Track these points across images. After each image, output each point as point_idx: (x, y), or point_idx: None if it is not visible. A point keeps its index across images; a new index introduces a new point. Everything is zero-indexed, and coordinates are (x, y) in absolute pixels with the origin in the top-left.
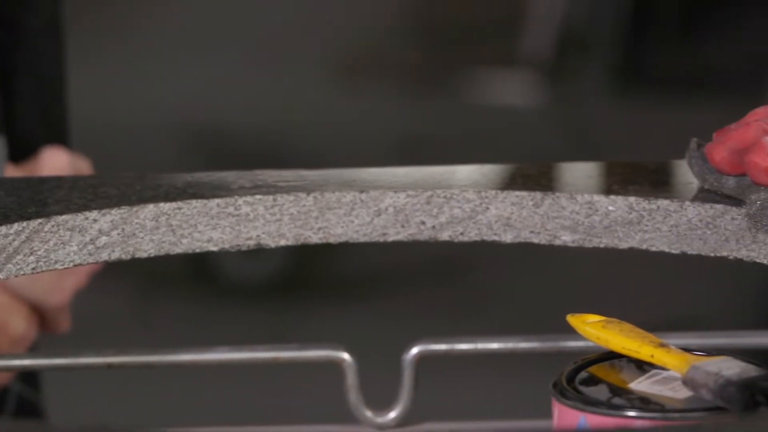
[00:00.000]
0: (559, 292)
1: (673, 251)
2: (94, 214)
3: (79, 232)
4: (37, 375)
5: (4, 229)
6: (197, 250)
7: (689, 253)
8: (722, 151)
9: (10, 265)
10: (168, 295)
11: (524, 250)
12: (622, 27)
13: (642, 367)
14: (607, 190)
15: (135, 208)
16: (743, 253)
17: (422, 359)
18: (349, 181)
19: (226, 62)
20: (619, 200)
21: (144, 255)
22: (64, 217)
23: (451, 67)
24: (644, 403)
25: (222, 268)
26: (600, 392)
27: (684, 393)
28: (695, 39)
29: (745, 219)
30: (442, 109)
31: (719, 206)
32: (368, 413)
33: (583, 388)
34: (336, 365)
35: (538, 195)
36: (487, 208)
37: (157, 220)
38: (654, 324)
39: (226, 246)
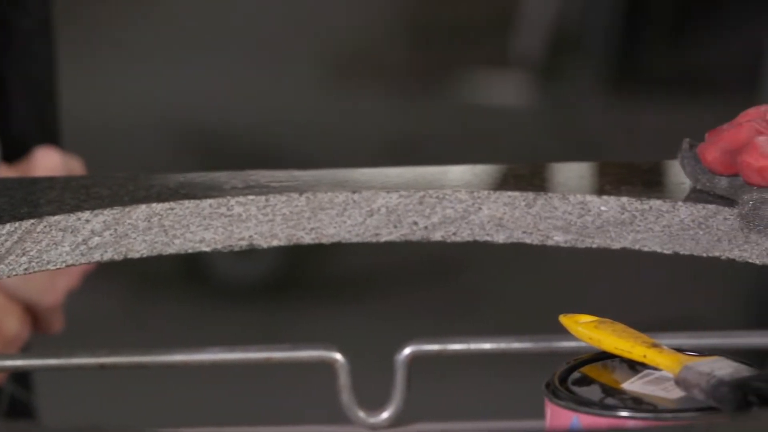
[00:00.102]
0: (552, 292)
1: (665, 251)
2: (86, 215)
3: (72, 232)
4: (29, 375)
5: None
6: (190, 251)
7: (681, 253)
8: (715, 151)
9: (2, 266)
10: (160, 296)
11: (517, 250)
12: (615, 27)
13: (634, 367)
14: (600, 191)
15: (127, 209)
16: (735, 254)
17: (415, 359)
18: (341, 182)
19: (218, 62)
20: (612, 200)
21: (136, 255)
22: (56, 217)
23: (443, 67)
24: (637, 403)
25: (214, 268)
26: (592, 392)
27: (676, 393)
28: (688, 40)
29: (737, 219)
30: (435, 110)
31: (711, 206)
32: (361, 413)
33: (575, 389)
34: (328, 365)
35: (531, 195)
36: (480, 209)
37: (149, 221)
38: (646, 324)
39: (219, 246)
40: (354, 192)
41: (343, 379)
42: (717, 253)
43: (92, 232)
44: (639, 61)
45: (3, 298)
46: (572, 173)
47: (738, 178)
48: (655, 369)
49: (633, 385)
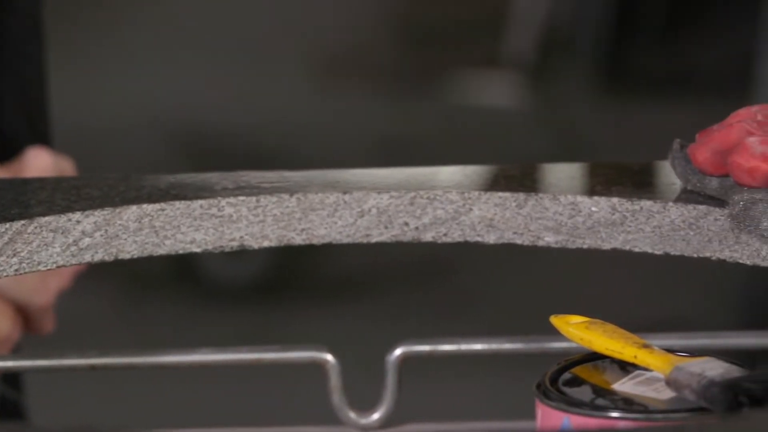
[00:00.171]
0: (543, 293)
1: (656, 252)
2: (77, 216)
3: (62, 233)
4: (19, 376)
5: None
6: (180, 252)
7: (672, 253)
8: (705, 151)
9: None
10: (151, 297)
11: (507, 251)
12: (606, 27)
13: (625, 368)
14: (591, 191)
15: (118, 210)
16: (726, 254)
17: (406, 360)
18: (332, 182)
19: (208, 63)
20: (603, 201)
21: (127, 256)
22: (47, 218)
23: (434, 67)
24: (627, 403)
25: (205, 269)
26: (583, 393)
27: (667, 394)
28: (679, 40)
29: (728, 220)
30: (426, 110)
31: (702, 207)
32: (352, 414)
33: (566, 389)
34: (319, 366)
35: (522, 196)
36: (471, 209)
37: (140, 222)
38: (637, 325)
39: (210, 247)
40: (345, 193)
41: (334, 380)
42: (708, 254)
43: (83, 233)
44: (630, 62)
45: None
46: (563, 174)
47: (728, 179)
48: (646, 370)
49: (624, 385)
